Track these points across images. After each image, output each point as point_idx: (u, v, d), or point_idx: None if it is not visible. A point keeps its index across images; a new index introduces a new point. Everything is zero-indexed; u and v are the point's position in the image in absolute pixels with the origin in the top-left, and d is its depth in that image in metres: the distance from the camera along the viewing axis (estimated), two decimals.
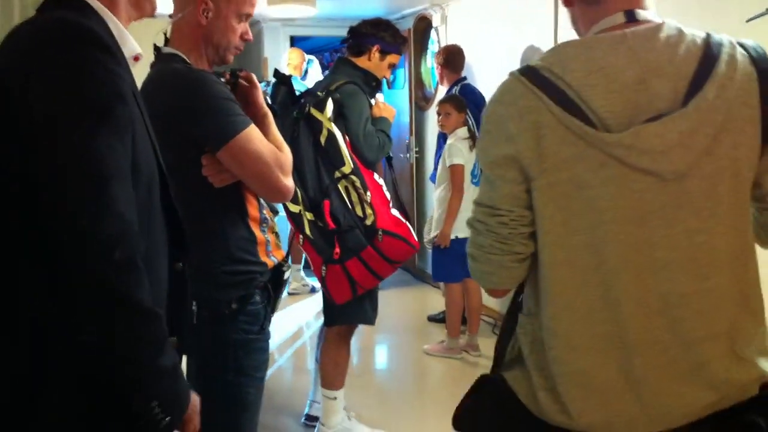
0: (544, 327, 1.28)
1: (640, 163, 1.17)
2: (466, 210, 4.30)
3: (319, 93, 2.98)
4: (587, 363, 1.24)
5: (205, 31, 1.81)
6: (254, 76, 1.93)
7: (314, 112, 2.92)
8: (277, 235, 2.02)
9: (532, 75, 1.22)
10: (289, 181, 1.82)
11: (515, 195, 1.25)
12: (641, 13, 1.26)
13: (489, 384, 1.42)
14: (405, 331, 5.11)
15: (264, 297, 1.93)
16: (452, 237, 4.30)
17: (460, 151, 4.27)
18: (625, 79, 1.19)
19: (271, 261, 1.94)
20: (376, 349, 4.84)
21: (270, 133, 1.84)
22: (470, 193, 4.34)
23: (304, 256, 5.02)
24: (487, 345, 4.61)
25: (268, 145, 1.78)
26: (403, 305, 5.66)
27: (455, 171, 4.27)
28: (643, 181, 1.18)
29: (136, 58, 1.29)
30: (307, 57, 5.95)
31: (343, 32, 3.24)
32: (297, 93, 3.02)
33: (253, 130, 1.75)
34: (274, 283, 1.97)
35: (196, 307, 1.61)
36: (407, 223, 3.05)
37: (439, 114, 4.41)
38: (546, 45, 4.36)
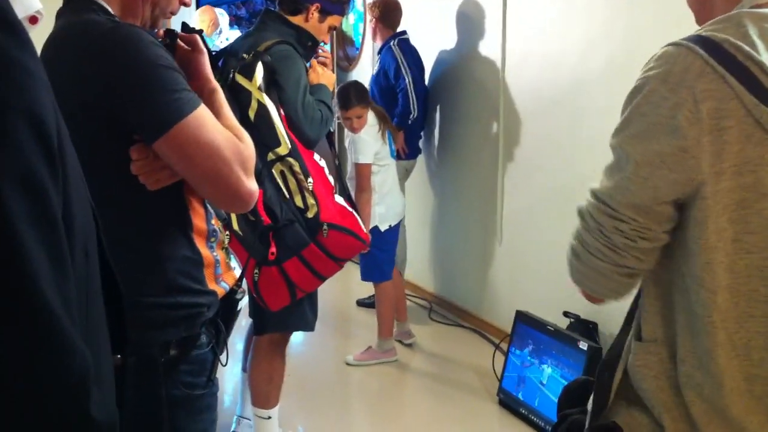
0: (691, 363, 1.08)
1: None
2: (389, 194, 3.84)
3: (244, 55, 2.44)
4: (738, 409, 1.07)
5: None
6: (199, 39, 1.46)
7: (240, 79, 2.39)
8: (227, 251, 1.56)
9: (713, 49, 1.01)
10: (252, 184, 1.36)
11: (650, 208, 1.06)
12: None
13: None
14: (333, 321, 4.61)
15: (211, 337, 1.49)
16: (386, 227, 3.82)
17: (367, 146, 3.71)
18: None
19: (221, 288, 1.50)
20: (299, 346, 4.33)
21: (222, 115, 1.38)
22: (391, 171, 3.88)
23: None
24: (423, 331, 4.22)
25: (224, 132, 1.33)
26: (325, 288, 5.15)
27: (361, 170, 3.71)
28: None
29: (33, 20, 0.76)
30: (217, 11, 5.31)
31: None
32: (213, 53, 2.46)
33: (204, 113, 1.30)
34: (224, 317, 1.53)
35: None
36: (354, 212, 2.57)
37: (348, 119, 3.69)
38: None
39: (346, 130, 3.82)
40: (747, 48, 1.00)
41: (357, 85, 3.83)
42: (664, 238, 1.08)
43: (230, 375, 3.70)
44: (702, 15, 1.19)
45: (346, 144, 3.85)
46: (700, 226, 1.04)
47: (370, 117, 3.74)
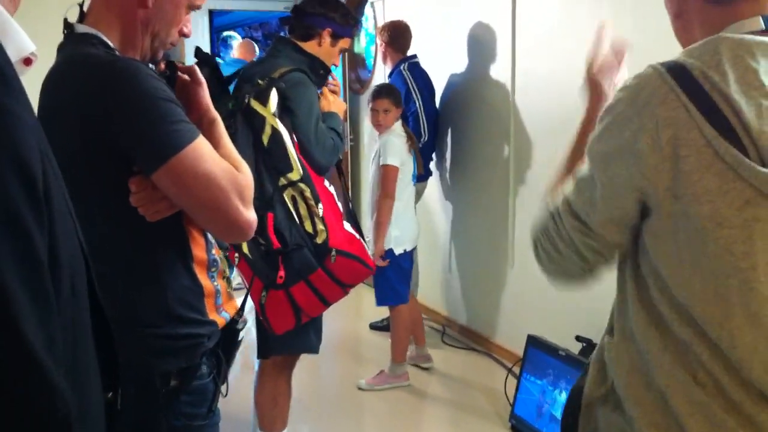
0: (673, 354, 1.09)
1: None
2: (404, 216, 3.81)
3: (259, 81, 2.46)
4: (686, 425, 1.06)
5: (148, 14, 1.38)
6: (197, 70, 1.47)
7: (255, 104, 2.41)
8: (228, 281, 1.56)
9: (681, 76, 1.02)
10: (250, 213, 1.38)
11: (621, 222, 1.11)
12: None
13: None
14: (346, 345, 4.59)
15: (212, 367, 1.49)
16: (401, 250, 3.80)
17: (396, 150, 3.72)
18: None
19: (221, 318, 1.51)
20: (310, 369, 4.29)
21: (221, 145, 1.40)
22: (409, 193, 3.88)
23: None
24: (436, 355, 4.20)
25: (222, 163, 1.34)
26: (338, 311, 5.14)
27: (388, 173, 3.71)
28: None
29: (28, 62, 0.76)
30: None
31: (267, 6, 2.72)
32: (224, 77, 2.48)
33: (202, 144, 1.32)
34: (225, 347, 1.53)
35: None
36: (361, 239, 2.58)
37: (375, 110, 3.76)
38: (501, 23, 3.93)
39: (374, 133, 3.85)
40: (716, 78, 1.00)
41: (392, 85, 3.93)
42: (626, 243, 1.13)
43: (240, 399, 3.70)
44: (684, 40, 1.20)
45: (372, 155, 3.86)
46: (655, 239, 1.07)
47: (398, 127, 3.77)
